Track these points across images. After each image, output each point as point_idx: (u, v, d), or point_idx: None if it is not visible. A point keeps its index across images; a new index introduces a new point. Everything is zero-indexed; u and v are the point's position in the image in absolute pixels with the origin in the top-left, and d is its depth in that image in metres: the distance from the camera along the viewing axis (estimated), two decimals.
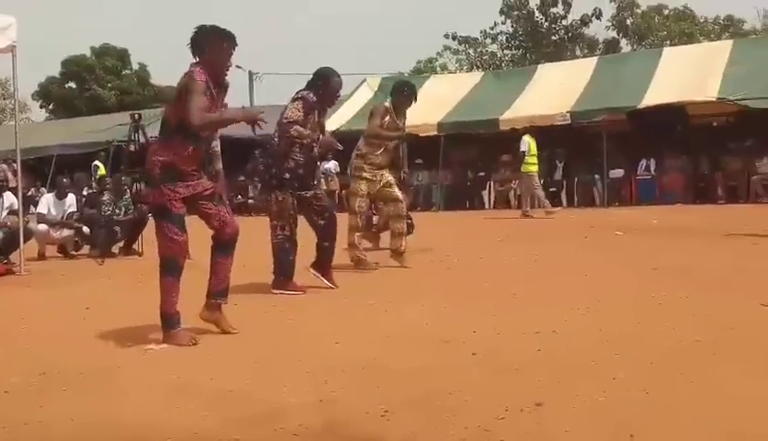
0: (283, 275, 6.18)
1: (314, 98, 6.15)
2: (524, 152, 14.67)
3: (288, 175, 6.11)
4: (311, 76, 6.31)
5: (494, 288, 6.12)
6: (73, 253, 10.12)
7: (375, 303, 5.52)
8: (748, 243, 8.51)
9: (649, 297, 5.35)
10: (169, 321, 4.43)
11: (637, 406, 3.01)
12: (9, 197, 9.26)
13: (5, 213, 9.08)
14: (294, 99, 6.18)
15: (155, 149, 4.53)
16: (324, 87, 6.25)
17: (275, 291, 6.09)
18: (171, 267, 4.43)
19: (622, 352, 3.79)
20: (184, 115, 4.29)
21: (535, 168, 14.83)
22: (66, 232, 9.99)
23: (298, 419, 3.04)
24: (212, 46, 4.46)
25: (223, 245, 4.60)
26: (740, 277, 6.11)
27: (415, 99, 7.56)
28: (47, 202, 10.16)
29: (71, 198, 10.37)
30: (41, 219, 9.93)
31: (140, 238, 9.92)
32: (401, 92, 7.58)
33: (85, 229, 9.96)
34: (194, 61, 4.47)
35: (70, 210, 10.16)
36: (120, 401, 3.37)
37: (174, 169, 4.40)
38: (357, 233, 7.44)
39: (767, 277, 6.16)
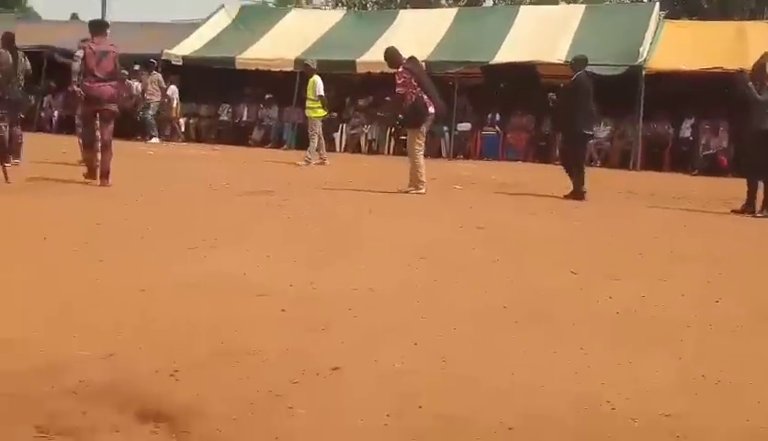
0: None
1: None
2: (322, 95, 13.74)
3: None
4: None
5: (321, 235, 6.05)
6: None
7: (197, 248, 5.29)
8: (569, 206, 8.88)
9: (470, 257, 5.45)
10: None
11: (431, 376, 3.02)
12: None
13: None
14: None
15: None
16: None
17: None
18: None
19: (429, 315, 3.81)
20: None
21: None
22: None
23: (80, 374, 2.86)
24: None
25: None
26: (559, 244, 6.31)
27: None
28: None
29: None
30: None
31: None
32: None
33: None
34: None
35: None
36: None
37: None
38: None
39: (582, 243, 6.43)
